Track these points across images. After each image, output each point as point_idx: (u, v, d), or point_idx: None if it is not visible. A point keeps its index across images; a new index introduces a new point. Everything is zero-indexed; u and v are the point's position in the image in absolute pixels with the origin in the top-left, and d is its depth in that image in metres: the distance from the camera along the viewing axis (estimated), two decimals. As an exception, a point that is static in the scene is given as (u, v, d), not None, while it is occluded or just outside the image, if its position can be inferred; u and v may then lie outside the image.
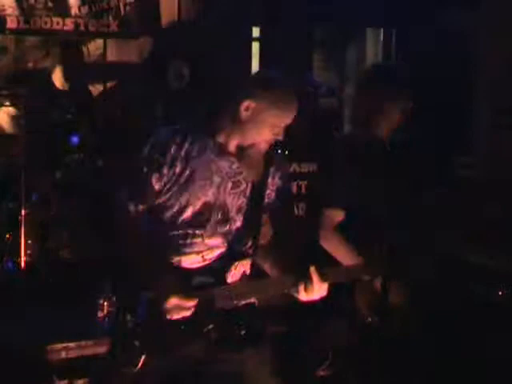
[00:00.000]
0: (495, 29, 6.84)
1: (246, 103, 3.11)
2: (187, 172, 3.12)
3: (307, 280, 3.09)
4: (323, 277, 3.10)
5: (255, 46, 8.58)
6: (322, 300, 3.15)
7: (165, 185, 3.12)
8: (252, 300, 3.23)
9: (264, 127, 3.10)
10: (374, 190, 3.60)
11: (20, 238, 5.76)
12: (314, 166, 5.18)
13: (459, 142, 7.26)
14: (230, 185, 3.17)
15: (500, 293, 4.44)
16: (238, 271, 3.18)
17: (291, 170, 5.21)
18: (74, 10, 7.66)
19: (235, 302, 3.13)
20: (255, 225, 3.19)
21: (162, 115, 7.15)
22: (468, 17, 7.36)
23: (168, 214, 3.14)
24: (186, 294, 3.03)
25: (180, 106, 7.06)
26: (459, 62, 7.56)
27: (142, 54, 7.93)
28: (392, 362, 3.52)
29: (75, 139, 6.10)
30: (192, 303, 3.03)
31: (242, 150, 3.17)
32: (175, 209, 3.13)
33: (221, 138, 3.17)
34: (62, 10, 7.58)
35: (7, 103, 6.36)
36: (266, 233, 3.29)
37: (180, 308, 3.03)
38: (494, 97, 6.88)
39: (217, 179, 3.14)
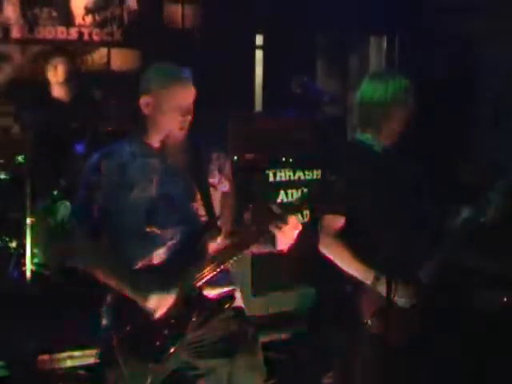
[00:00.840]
0: (497, 34, 6.85)
1: (144, 100, 3.27)
2: (127, 180, 3.26)
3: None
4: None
5: (259, 54, 8.59)
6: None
7: (109, 198, 3.26)
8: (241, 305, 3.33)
9: (171, 113, 3.24)
10: (375, 196, 3.60)
11: (25, 246, 5.78)
12: (317, 173, 5.20)
13: (463, 148, 7.25)
14: (167, 178, 3.29)
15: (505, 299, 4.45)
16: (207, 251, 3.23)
17: (296, 177, 5.25)
18: (78, 20, 7.69)
19: (209, 275, 3.18)
20: (206, 207, 3.28)
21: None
22: (471, 22, 7.35)
23: (122, 220, 3.26)
24: (163, 290, 3.11)
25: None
26: (463, 69, 7.55)
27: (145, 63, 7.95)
28: (395, 370, 3.52)
29: (80, 147, 6.11)
30: (171, 297, 3.12)
31: (165, 143, 3.31)
32: (128, 214, 3.25)
33: (145, 139, 3.33)
34: (66, 20, 7.62)
35: (12, 111, 6.40)
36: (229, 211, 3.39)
37: (160, 305, 3.11)
38: (499, 101, 6.89)
39: (155, 176, 3.28)
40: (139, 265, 3.23)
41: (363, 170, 3.65)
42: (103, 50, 7.88)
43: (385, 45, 8.74)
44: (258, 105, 8.27)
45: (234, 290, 3.37)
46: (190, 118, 3.30)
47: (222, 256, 3.20)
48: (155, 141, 3.32)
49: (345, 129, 6.45)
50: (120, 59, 7.94)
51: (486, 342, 4.46)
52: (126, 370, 3.12)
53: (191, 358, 3.23)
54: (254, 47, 8.34)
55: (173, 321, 3.14)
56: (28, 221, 5.78)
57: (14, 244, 6.07)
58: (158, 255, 3.24)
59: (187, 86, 3.29)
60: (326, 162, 4.09)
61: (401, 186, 3.69)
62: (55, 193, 6.04)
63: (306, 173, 5.23)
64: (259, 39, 8.52)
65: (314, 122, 5.43)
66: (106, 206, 3.27)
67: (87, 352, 4.60)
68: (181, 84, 3.28)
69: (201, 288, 3.18)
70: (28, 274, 5.73)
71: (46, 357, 4.51)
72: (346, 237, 3.64)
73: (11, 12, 7.39)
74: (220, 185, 3.39)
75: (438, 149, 6.49)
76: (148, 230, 3.23)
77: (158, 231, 3.24)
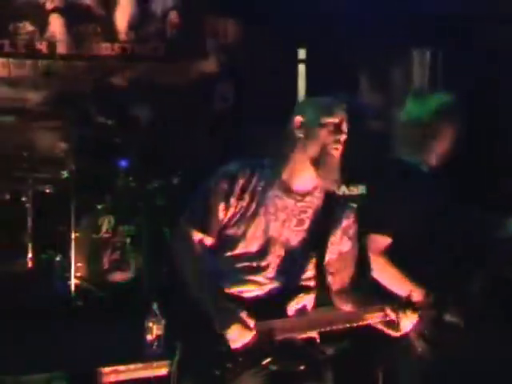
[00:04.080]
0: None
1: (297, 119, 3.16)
2: (254, 205, 3.16)
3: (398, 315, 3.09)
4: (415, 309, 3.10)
5: (301, 68, 8.59)
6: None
7: (232, 217, 3.16)
8: (312, 334, 3.23)
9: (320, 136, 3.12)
10: (421, 214, 3.56)
11: (70, 260, 5.82)
12: (362, 189, 5.16)
13: (508, 160, 7.18)
14: (294, 222, 3.19)
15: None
16: (299, 305, 3.19)
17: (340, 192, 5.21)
18: (122, 35, 7.75)
19: (294, 335, 3.13)
20: (318, 262, 3.20)
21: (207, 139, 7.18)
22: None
23: (232, 246, 3.17)
24: (245, 326, 3.01)
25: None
26: (507, 82, 7.49)
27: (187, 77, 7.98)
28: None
29: (123, 162, 6.15)
30: (252, 334, 3.03)
31: (306, 190, 3.19)
32: (240, 241, 3.16)
33: (285, 176, 3.18)
34: (110, 35, 7.68)
35: (58, 126, 6.46)
36: (344, 273, 3.29)
37: (240, 338, 3.02)
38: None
39: (282, 215, 3.17)
40: (230, 293, 3.15)
41: (409, 189, 3.61)
42: (146, 65, 7.94)
43: (428, 58, 8.70)
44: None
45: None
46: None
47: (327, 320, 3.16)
48: (296, 183, 3.18)
49: (387, 145, 6.43)
50: (163, 74, 7.98)
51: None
52: None
53: None
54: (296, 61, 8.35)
55: (240, 358, 3.06)
56: (73, 235, 5.84)
57: (58, 258, 6.11)
58: (251, 292, 3.16)
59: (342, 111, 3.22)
60: (371, 179, 4.06)
61: (448, 205, 3.66)
62: (100, 207, 6.07)
63: (351, 188, 5.20)
64: (302, 53, 8.53)
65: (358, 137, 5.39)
66: (225, 222, 3.17)
67: (131, 367, 4.60)
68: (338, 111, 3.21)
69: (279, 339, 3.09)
70: (72, 287, 5.79)
71: (98, 370, 4.50)
72: (391, 255, 3.60)
73: (57, 28, 7.47)
74: (339, 245, 3.28)
75: (482, 162, 6.45)
76: (253, 263, 3.16)
77: (261, 269, 3.16)
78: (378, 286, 3.57)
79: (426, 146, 3.70)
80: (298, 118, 3.17)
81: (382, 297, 3.28)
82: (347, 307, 3.26)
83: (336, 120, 3.13)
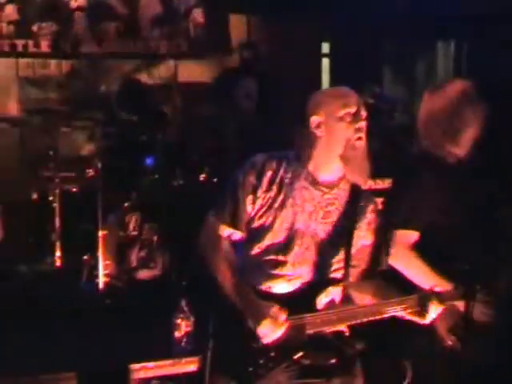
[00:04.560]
0: None
1: (314, 119, 3.12)
2: (281, 197, 3.13)
3: (426, 304, 3.10)
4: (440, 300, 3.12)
5: (325, 62, 8.59)
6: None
7: (259, 209, 3.15)
8: (341, 328, 3.21)
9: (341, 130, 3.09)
10: (450, 208, 3.53)
11: (98, 258, 5.85)
12: (388, 183, 5.14)
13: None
14: (321, 214, 3.17)
15: None
16: (328, 298, 3.18)
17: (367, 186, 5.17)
18: (145, 32, 7.78)
19: (324, 329, 3.12)
20: (345, 255, 3.18)
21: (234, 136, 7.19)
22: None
23: (260, 239, 3.15)
24: (276, 321, 3.01)
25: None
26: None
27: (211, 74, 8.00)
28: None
29: (150, 160, 6.16)
30: (281, 330, 3.02)
31: (332, 182, 3.17)
32: (267, 234, 3.14)
33: (311, 167, 3.16)
34: (134, 33, 7.71)
35: (85, 126, 6.50)
36: (362, 265, 3.27)
37: (272, 333, 3.01)
38: None
39: (309, 207, 3.15)
40: (259, 289, 3.13)
41: (437, 182, 3.58)
42: (170, 63, 7.96)
43: (452, 50, 8.67)
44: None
45: None
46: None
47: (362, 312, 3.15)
48: (322, 175, 3.16)
49: (413, 137, 6.40)
50: (187, 71, 8.01)
51: None
52: (210, 382, 3.11)
53: (287, 379, 3.12)
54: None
55: (272, 353, 3.06)
56: (100, 233, 5.86)
57: (86, 256, 6.14)
58: (280, 287, 3.14)
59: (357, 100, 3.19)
60: (396, 172, 4.04)
61: (476, 197, 3.63)
62: (126, 205, 6.09)
63: (378, 182, 5.17)
64: (325, 47, 8.53)
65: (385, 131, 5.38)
66: (252, 214, 3.16)
67: (160, 363, 4.61)
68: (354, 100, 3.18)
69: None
70: (100, 285, 5.82)
71: (127, 367, 4.52)
72: (419, 249, 3.56)
73: (81, 27, 7.51)
74: (362, 238, 3.24)
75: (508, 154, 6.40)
76: (280, 257, 3.14)
77: (289, 262, 3.13)
78: (395, 278, 3.56)
79: (452, 137, 3.66)
80: (315, 118, 3.13)
81: (401, 289, 3.28)
82: (364, 300, 3.25)
83: (353, 109, 3.10)
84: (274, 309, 3.02)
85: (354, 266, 3.23)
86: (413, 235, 3.57)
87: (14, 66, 7.48)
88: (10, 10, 7.31)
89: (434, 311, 3.12)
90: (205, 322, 3.32)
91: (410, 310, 3.13)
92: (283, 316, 3.02)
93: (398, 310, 3.13)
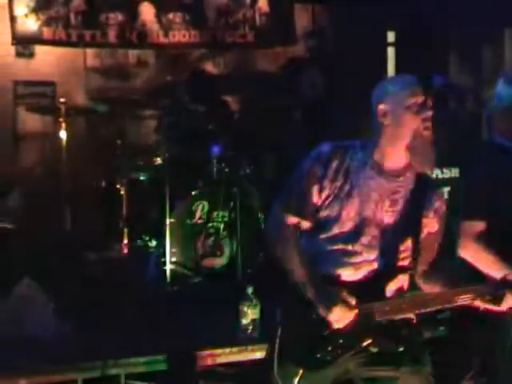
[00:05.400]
0: None
1: (381, 108, 3.12)
2: (347, 187, 3.14)
3: (501, 291, 3.08)
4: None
5: (391, 51, 8.53)
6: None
7: (325, 199, 3.16)
8: (409, 316, 3.21)
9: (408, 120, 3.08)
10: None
11: (165, 246, 5.91)
12: (456, 172, 5.11)
13: None
14: (387, 203, 3.17)
15: None
16: (396, 286, 3.18)
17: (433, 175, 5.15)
18: (211, 22, 7.81)
19: (393, 317, 3.12)
20: (412, 243, 3.18)
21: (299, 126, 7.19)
22: None
23: (327, 228, 3.17)
24: (347, 306, 3.03)
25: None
26: None
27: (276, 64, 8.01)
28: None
29: (216, 149, 6.19)
30: (352, 316, 3.04)
31: (397, 170, 3.17)
32: (334, 223, 3.15)
33: (376, 156, 3.16)
34: (200, 23, 7.75)
35: (151, 115, 6.55)
36: (429, 254, 3.27)
37: (343, 319, 3.04)
38: None
39: (375, 196, 3.15)
40: (328, 277, 3.15)
41: (504, 173, 3.55)
42: (236, 52, 7.99)
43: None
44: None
45: None
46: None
47: (427, 300, 3.15)
48: (387, 164, 3.16)
49: (481, 127, 6.35)
50: (253, 61, 8.03)
51: None
52: (278, 369, 3.13)
53: (355, 366, 3.15)
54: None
55: (341, 341, 3.09)
56: (167, 221, 5.92)
57: (153, 244, 6.21)
58: (348, 275, 3.15)
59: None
60: (464, 162, 4.00)
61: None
62: (193, 193, 6.14)
63: (445, 170, 5.14)
64: (391, 36, 8.47)
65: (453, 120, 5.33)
66: (319, 204, 3.16)
67: (227, 350, 4.65)
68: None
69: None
70: (168, 272, 5.88)
71: (194, 353, 4.57)
72: (487, 239, 3.53)
73: (147, 17, 7.57)
74: (429, 226, 3.24)
75: None
76: (348, 246, 3.15)
77: (356, 251, 3.15)
78: (464, 268, 3.54)
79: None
80: (382, 107, 3.13)
81: (469, 278, 3.26)
82: (434, 288, 3.23)
83: (420, 99, 3.09)
84: (345, 295, 3.04)
85: (421, 254, 3.23)
86: (479, 225, 3.55)
87: (82, 55, 7.57)
88: (79, 1, 7.40)
89: (510, 298, 3.08)
90: (271, 310, 3.35)
91: (483, 298, 3.10)
92: (353, 302, 3.04)
93: (470, 298, 3.11)
